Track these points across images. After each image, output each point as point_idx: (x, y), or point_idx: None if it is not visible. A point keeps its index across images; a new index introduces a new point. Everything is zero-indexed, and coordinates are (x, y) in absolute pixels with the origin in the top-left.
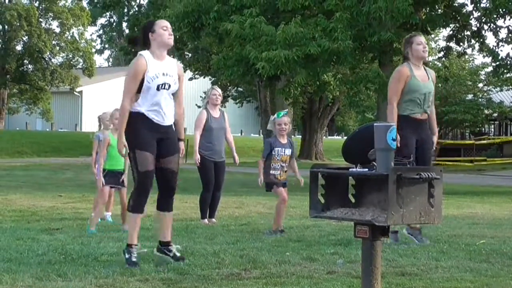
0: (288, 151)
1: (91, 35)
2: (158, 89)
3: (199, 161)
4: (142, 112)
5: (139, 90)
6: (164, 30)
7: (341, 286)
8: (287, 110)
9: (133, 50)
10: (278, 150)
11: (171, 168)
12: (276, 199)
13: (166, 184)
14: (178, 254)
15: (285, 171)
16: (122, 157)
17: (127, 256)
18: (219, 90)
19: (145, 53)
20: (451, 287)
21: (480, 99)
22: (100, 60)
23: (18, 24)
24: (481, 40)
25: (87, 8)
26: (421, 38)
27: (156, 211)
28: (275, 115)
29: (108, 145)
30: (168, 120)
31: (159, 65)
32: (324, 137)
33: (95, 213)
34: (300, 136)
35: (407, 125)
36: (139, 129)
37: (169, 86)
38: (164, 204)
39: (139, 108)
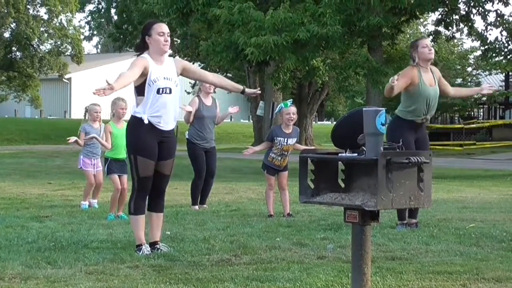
0: (291, 141)
1: (79, 21)
2: (159, 92)
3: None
4: (144, 117)
5: (142, 93)
6: (160, 36)
7: (331, 271)
8: (292, 99)
9: (121, 36)
10: (280, 140)
11: (164, 173)
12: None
13: (157, 186)
14: (164, 250)
15: (287, 159)
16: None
17: (140, 254)
18: None
19: (146, 55)
20: (441, 271)
21: (469, 83)
22: (88, 47)
23: (5, 11)
24: (470, 24)
25: None
26: (426, 41)
27: (146, 212)
28: (282, 104)
29: (110, 134)
30: (169, 125)
31: (160, 69)
32: (314, 122)
33: (112, 201)
34: None
35: (406, 125)
36: (141, 133)
37: (170, 90)
38: (154, 205)
39: (141, 113)
